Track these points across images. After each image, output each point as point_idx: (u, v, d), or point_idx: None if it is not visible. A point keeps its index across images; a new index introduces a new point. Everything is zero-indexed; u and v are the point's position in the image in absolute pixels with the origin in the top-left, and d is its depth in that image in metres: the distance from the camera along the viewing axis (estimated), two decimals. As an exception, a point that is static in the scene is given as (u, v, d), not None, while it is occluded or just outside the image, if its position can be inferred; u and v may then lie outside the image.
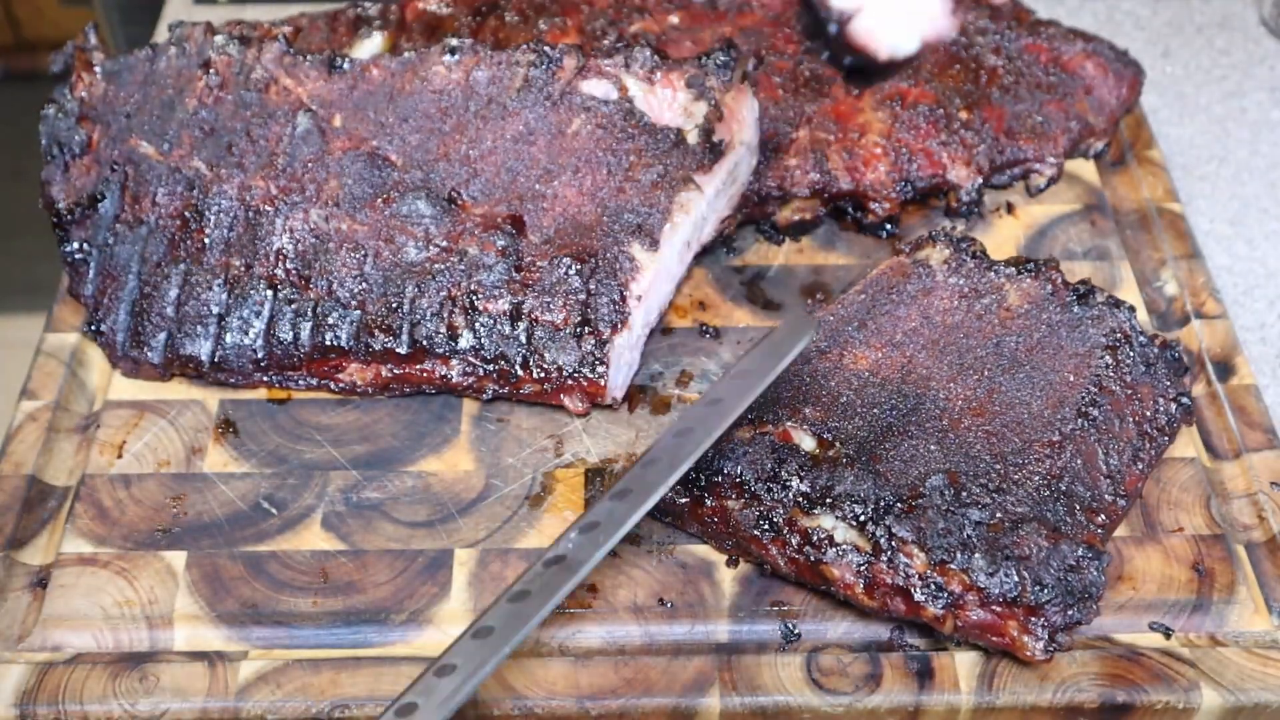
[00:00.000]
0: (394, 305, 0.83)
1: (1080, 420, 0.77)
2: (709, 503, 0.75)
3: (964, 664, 0.72)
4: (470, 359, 0.83)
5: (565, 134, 0.88)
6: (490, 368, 0.82)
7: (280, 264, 0.85)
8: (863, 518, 0.72)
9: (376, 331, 0.83)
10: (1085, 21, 1.20)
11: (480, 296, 0.83)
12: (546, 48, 0.91)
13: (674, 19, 1.04)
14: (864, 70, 0.79)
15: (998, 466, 0.74)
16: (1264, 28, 1.21)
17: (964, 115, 0.98)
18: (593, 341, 0.82)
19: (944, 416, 0.77)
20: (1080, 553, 0.72)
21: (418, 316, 0.83)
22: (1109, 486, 0.76)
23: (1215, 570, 0.76)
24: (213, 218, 0.87)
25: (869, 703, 0.71)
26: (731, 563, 0.77)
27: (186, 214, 0.87)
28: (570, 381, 0.82)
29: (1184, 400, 0.82)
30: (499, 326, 0.82)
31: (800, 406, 0.77)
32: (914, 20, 0.50)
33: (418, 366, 0.83)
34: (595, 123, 0.88)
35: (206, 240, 0.86)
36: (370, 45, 1.01)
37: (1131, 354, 0.81)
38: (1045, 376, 0.79)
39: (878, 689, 0.71)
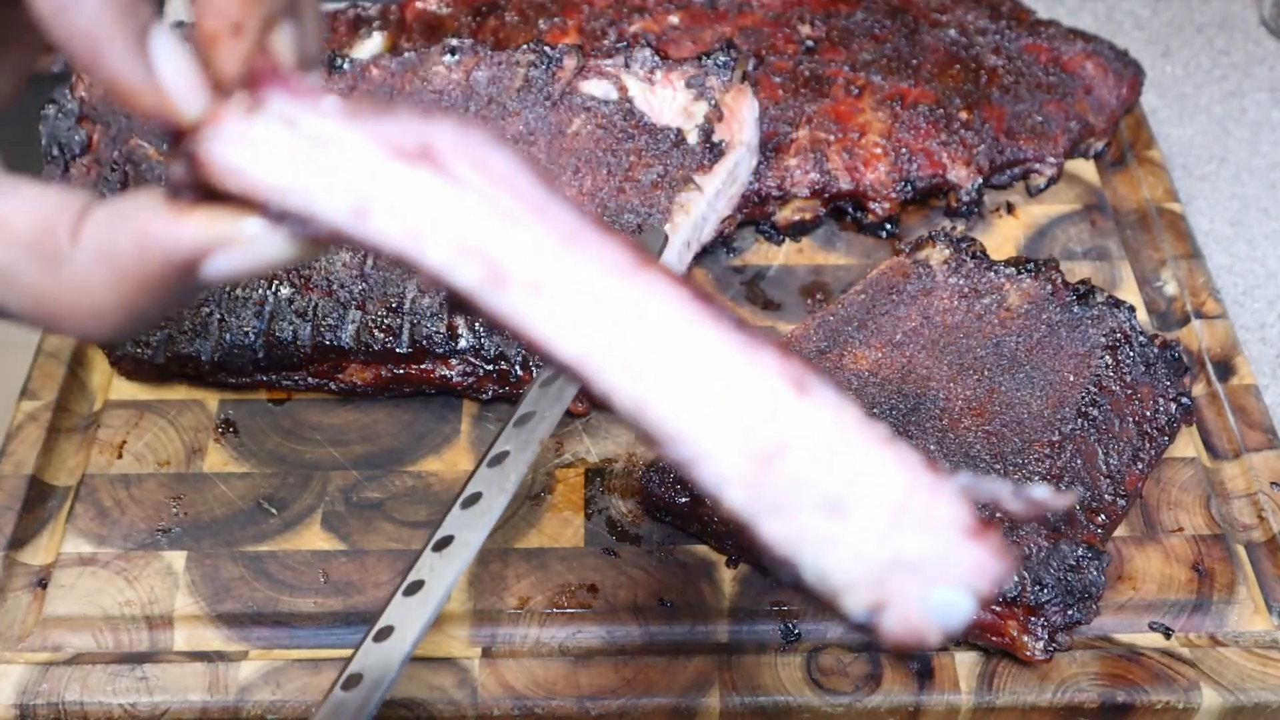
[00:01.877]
0: (394, 305, 0.83)
1: (1080, 420, 0.77)
2: (709, 503, 0.75)
3: (964, 664, 0.72)
4: (470, 359, 0.83)
5: (565, 134, 0.88)
6: (490, 368, 0.82)
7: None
8: (863, 518, 0.72)
9: (376, 331, 0.83)
10: (1085, 21, 1.20)
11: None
12: (546, 48, 0.91)
13: (674, 19, 1.04)
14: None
15: (997, 466, 0.74)
16: (1264, 28, 1.21)
17: (964, 115, 0.98)
18: (593, 342, 0.82)
19: (944, 416, 0.77)
20: (1080, 553, 0.72)
21: (418, 316, 0.83)
22: (1109, 486, 0.76)
23: (1215, 570, 0.76)
24: (213, 218, 0.87)
25: (869, 703, 0.71)
26: (731, 563, 0.77)
27: (186, 214, 0.87)
28: (570, 382, 0.82)
29: (1184, 400, 0.82)
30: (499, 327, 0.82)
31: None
32: (954, 577, 0.39)
33: (418, 367, 0.83)
34: (595, 123, 0.88)
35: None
36: (370, 45, 1.01)
37: (1131, 354, 0.81)
38: (1045, 376, 0.79)
39: (878, 689, 0.71)
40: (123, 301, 0.40)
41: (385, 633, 0.61)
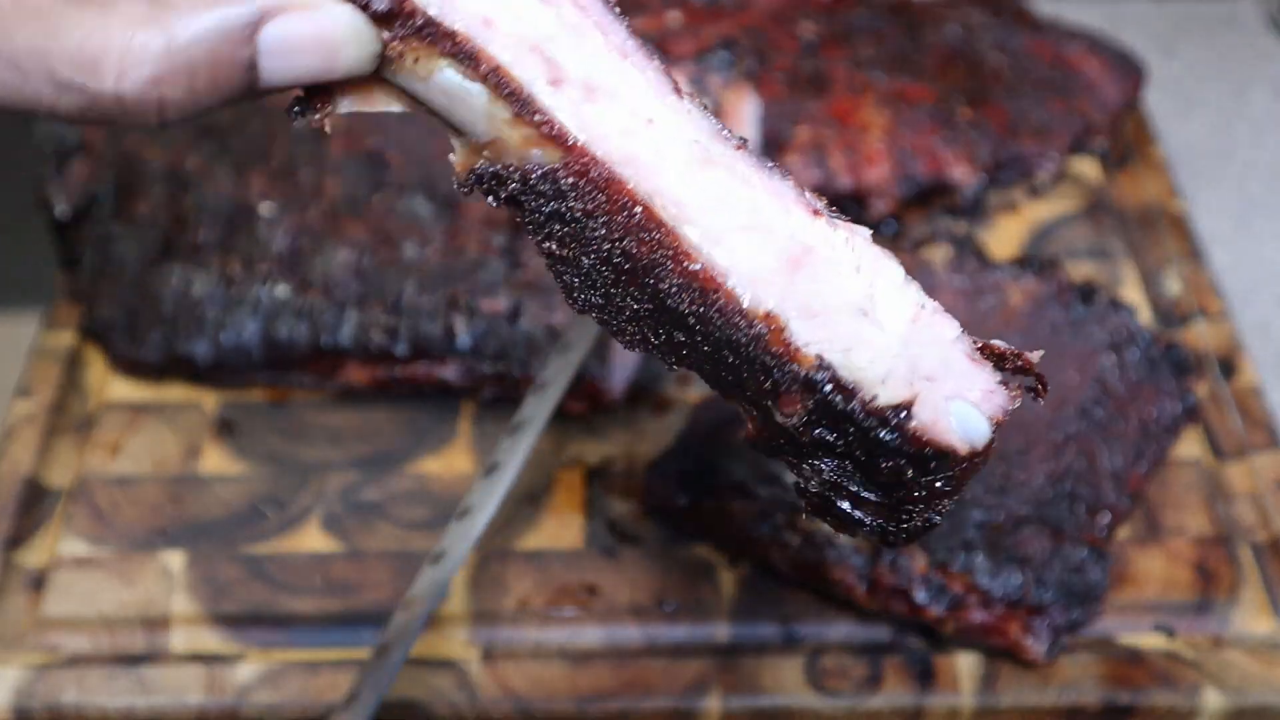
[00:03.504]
0: (392, 305, 0.83)
1: (1083, 420, 0.77)
2: (709, 504, 0.75)
3: (965, 666, 0.72)
4: (469, 360, 0.82)
5: (565, 132, 0.88)
6: (489, 368, 0.82)
7: (277, 263, 0.85)
8: (864, 519, 0.71)
9: (374, 332, 0.82)
10: (1087, 19, 1.20)
11: (479, 297, 0.82)
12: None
13: (674, 16, 1.04)
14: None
15: (1000, 467, 0.74)
16: (1267, 24, 1.21)
17: (966, 113, 0.97)
18: (592, 341, 0.82)
19: (946, 417, 0.76)
20: (1083, 554, 0.71)
21: (416, 317, 0.82)
22: (1112, 487, 0.76)
23: (1219, 571, 0.76)
24: (208, 217, 0.86)
25: (870, 704, 0.70)
26: (732, 563, 0.76)
27: (183, 213, 0.87)
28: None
29: (1187, 400, 0.81)
30: (498, 327, 0.82)
31: (801, 407, 0.77)
32: (969, 395, 0.44)
33: (416, 367, 0.83)
34: (595, 121, 0.88)
35: (202, 239, 0.86)
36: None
37: (1135, 354, 0.81)
38: (1048, 376, 0.79)
39: (879, 691, 0.71)
40: (176, 62, 0.38)
41: (465, 512, 0.67)
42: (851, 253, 0.44)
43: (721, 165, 0.44)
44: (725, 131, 0.44)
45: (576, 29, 0.43)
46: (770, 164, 0.45)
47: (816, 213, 0.44)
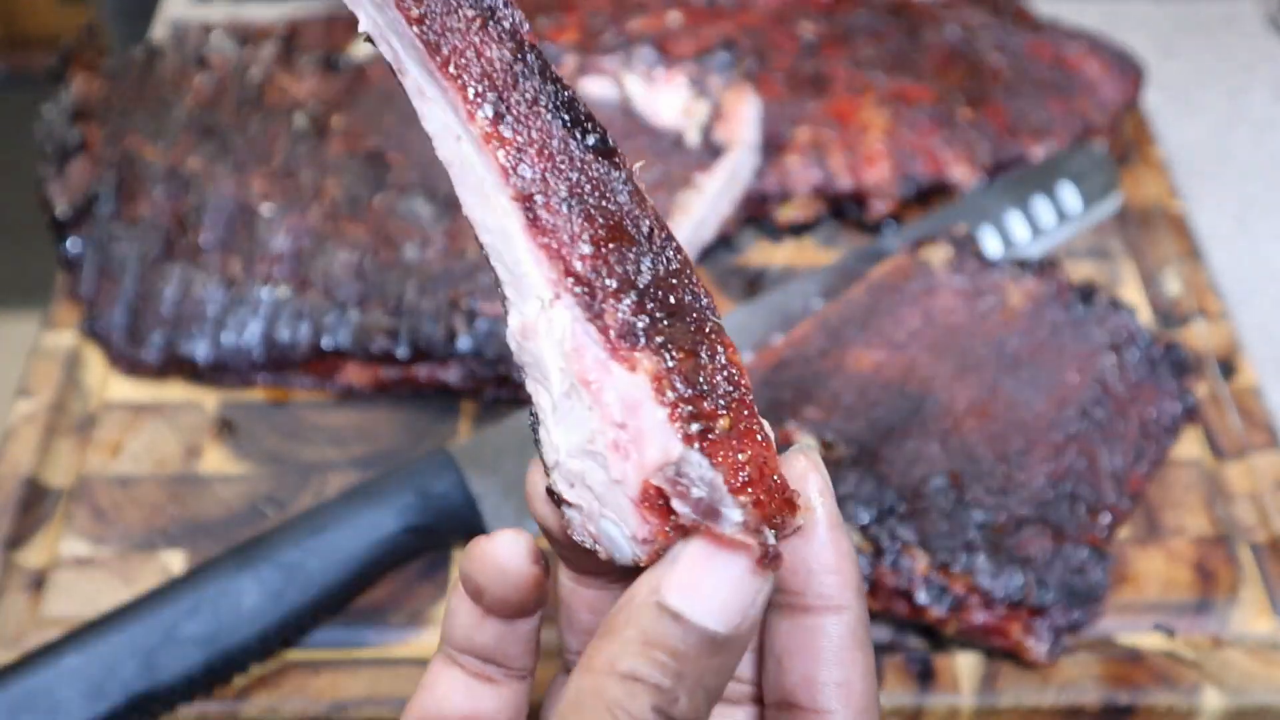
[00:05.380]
0: (393, 307, 0.83)
1: (1083, 421, 0.77)
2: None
3: (965, 666, 0.72)
4: (470, 362, 0.82)
5: (565, 133, 0.88)
6: (490, 370, 0.82)
7: (277, 264, 0.85)
8: (865, 519, 0.71)
9: (375, 333, 0.82)
10: (1087, 19, 1.20)
11: (480, 298, 0.82)
12: (546, 45, 0.90)
13: (674, 16, 1.04)
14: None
15: (1001, 467, 0.74)
16: (1267, 24, 1.21)
17: (966, 113, 0.97)
18: (592, 342, 0.82)
19: (947, 417, 0.76)
20: (1084, 554, 0.71)
21: (417, 318, 0.82)
22: (1112, 487, 0.76)
23: (1218, 571, 0.76)
24: (209, 217, 0.87)
25: (870, 705, 0.70)
26: (732, 564, 0.76)
27: (183, 213, 0.87)
28: (570, 382, 0.81)
29: (1187, 400, 0.81)
30: (499, 330, 0.82)
31: (801, 407, 0.77)
32: (622, 522, 0.42)
33: (417, 369, 0.83)
34: (595, 121, 0.88)
35: (203, 240, 0.86)
36: (368, 45, 1.01)
37: (1134, 354, 0.81)
38: (1048, 377, 0.79)
39: (879, 691, 0.70)
40: None
41: None
42: (583, 342, 0.41)
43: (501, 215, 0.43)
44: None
45: (399, 31, 0.42)
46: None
47: (558, 297, 0.42)
